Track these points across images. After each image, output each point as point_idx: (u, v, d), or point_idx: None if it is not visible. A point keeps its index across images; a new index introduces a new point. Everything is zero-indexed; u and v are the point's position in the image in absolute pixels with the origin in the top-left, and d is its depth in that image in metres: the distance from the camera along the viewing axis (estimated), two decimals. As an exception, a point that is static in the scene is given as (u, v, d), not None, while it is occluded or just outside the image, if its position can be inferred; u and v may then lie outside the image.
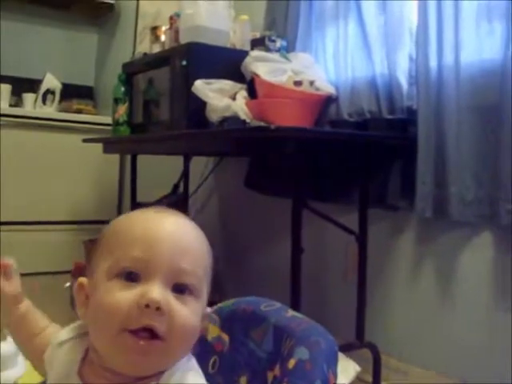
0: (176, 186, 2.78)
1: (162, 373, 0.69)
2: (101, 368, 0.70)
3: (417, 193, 1.82)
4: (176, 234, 0.71)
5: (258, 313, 0.87)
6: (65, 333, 0.78)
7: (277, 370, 0.77)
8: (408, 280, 1.98)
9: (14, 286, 0.84)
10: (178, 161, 2.85)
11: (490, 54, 1.74)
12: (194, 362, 0.74)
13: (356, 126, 2.04)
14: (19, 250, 2.73)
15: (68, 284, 2.63)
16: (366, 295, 1.95)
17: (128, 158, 2.92)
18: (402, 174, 1.94)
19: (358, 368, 1.67)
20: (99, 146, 2.68)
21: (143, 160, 2.77)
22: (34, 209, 3.19)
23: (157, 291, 0.65)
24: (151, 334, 0.65)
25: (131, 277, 0.67)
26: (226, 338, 0.89)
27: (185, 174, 2.83)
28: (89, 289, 0.72)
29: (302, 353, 0.73)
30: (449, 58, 1.80)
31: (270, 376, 0.78)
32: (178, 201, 2.69)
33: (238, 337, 0.87)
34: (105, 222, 0.78)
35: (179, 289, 0.68)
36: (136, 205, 2.65)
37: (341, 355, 0.84)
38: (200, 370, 0.74)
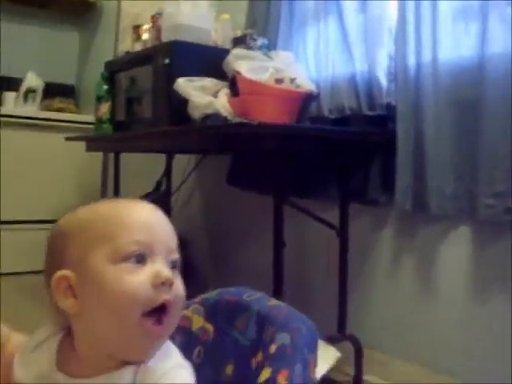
0: (159, 184, 2.80)
1: None
2: (90, 357, 0.71)
3: (396, 187, 1.86)
4: (162, 217, 0.77)
5: (241, 302, 0.89)
6: (35, 338, 0.78)
7: (259, 357, 0.79)
8: (389, 273, 2.02)
9: None
10: (161, 158, 2.86)
11: (467, 52, 1.78)
12: (168, 342, 0.77)
13: (336, 123, 2.08)
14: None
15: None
16: (348, 289, 1.98)
17: (110, 156, 2.93)
18: (381, 169, 1.97)
19: (338, 354, 1.70)
20: (81, 145, 2.68)
21: (126, 158, 2.78)
22: (15, 208, 3.18)
23: (166, 269, 0.72)
24: (164, 312, 0.71)
25: (139, 259, 0.71)
26: (210, 328, 0.91)
27: (167, 172, 2.85)
28: (76, 279, 0.71)
29: (284, 338, 0.75)
30: (427, 56, 1.84)
31: (253, 363, 0.81)
32: (160, 198, 2.70)
33: (222, 326, 0.89)
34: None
35: (172, 265, 0.74)
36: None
37: (321, 342, 0.87)
38: (177, 349, 0.77)
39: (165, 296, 0.70)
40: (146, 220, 0.74)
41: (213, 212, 2.89)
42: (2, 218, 3.10)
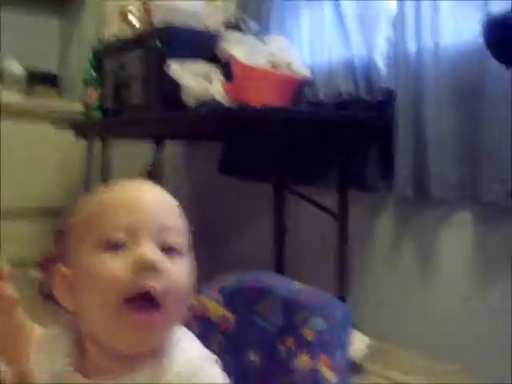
0: (149, 173, 2.74)
1: (161, 348, 0.66)
2: (99, 357, 0.67)
3: (396, 173, 1.84)
4: (155, 196, 0.70)
5: (263, 287, 0.85)
6: (46, 336, 0.73)
7: (290, 342, 0.75)
8: (388, 260, 2.00)
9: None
10: (150, 146, 2.80)
11: (468, 37, 1.76)
12: (185, 330, 0.71)
13: (333, 107, 2.04)
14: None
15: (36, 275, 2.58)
16: (347, 276, 1.96)
17: (96, 145, 2.86)
18: (380, 155, 1.95)
19: (367, 340, 1.68)
20: (65, 133, 2.61)
21: (113, 146, 2.72)
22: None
23: (151, 251, 0.64)
24: (150, 302, 0.63)
25: (120, 245, 0.64)
26: (230, 316, 0.87)
27: (157, 160, 2.78)
28: (73, 276, 0.67)
29: (319, 324, 0.72)
30: (427, 40, 1.82)
31: (281, 349, 0.77)
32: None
33: (243, 313, 0.85)
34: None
35: (166, 248, 0.66)
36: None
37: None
38: (196, 338, 0.71)
39: (148, 282, 0.62)
40: (131, 201, 0.67)
41: (204, 202, 2.84)
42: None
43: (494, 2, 1.67)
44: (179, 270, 0.66)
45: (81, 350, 0.69)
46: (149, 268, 0.63)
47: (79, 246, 0.67)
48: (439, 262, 1.86)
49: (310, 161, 2.13)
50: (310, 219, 2.18)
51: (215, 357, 0.68)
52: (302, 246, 2.23)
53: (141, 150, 2.82)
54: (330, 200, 1.96)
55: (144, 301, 0.63)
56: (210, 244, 2.71)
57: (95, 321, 0.66)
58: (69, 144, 2.84)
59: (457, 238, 1.81)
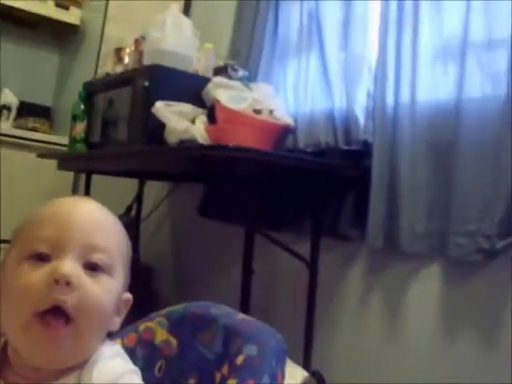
0: (129, 208, 2.76)
1: (85, 362, 0.66)
2: (19, 366, 0.66)
3: (368, 223, 1.86)
4: (87, 213, 0.70)
5: (208, 316, 0.86)
6: None
7: (225, 370, 0.76)
8: (357, 310, 2.00)
9: None
10: (133, 184, 2.83)
11: (445, 94, 1.81)
12: (118, 348, 0.72)
13: (312, 156, 2.08)
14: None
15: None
16: (315, 324, 1.95)
17: (81, 178, 2.89)
18: (354, 204, 1.98)
19: (305, 374, 1.66)
20: (53, 165, 2.63)
21: (97, 181, 2.74)
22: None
23: (67, 266, 0.63)
24: (63, 316, 0.63)
25: (41, 257, 0.65)
26: (174, 341, 0.88)
27: (138, 197, 2.81)
28: (1, 284, 0.67)
29: (251, 350, 0.72)
30: (405, 96, 1.87)
31: (217, 376, 0.78)
32: (130, 223, 2.66)
33: (186, 340, 0.86)
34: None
35: (91, 266, 0.66)
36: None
37: (288, 361, 0.84)
38: (127, 356, 0.72)
39: (58, 296, 0.62)
40: (60, 215, 0.68)
41: (182, 241, 2.85)
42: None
43: (472, 62, 1.74)
44: (99, 288, 0.66)
45: (5, 358, 0.69)
46: (62, 282, 0.62)
47: (9, 256, 0.68)
48: (408, 314, 1.86)
49: (284, 206, 2.15)
50: (282, 265, 2.19)
51: (137, 368, 0.68)
52: (273, 290, 2.23)
53: (124, 187, 2.85)
54: (303, 247, 1.97)
55: (55, 315, 0.62)
56: (186, 282, 2.71)
57: (10, 331, 0.66)
58: (56, 176, 2.85)
59: (426, 290, 1.82)
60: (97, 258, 0.67)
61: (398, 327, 1.88)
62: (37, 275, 0.63)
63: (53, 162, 2.64)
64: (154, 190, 2.85)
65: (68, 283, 0.63)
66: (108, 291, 0.67)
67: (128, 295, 0.74)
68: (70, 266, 0.64)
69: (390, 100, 1.91)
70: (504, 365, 1.58)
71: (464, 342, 1.71)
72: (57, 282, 0.62)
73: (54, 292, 0.62)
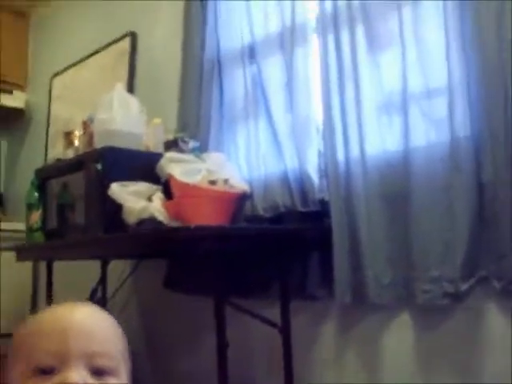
0: (94, 291, 2.71)
1: None
2: None
3: (335, 280, 1.87)
4: (88, 321, 0.72)
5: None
6: None
7: None
8: (333, 367, 1.99)
9: None
10: (96, 265, 2.79)
11: (392, 145, 1.87)
12: None
13: (271, 221, 2.10)
14: None
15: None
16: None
17: (42, 264, 2.84)
18: (319, 264, 2.00)
19: None
20: (11, 254, 2.58)
21: (59, 265, 2.70)
22: None
23: (75, 375, 0.65)
24: None
25: (50, 370, 0.66)
26: None
27: (102, 279, 2.77)
28: None
29: None
30: (355, 151, 1.92)
31: None
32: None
33: None
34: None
35: (97, 371, 0.68)
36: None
37: None
38: None
39: None
40: (58, 328, 0.69)
41: (151, 317, 2.81)
42: None
43: (415, 112, 1.80)
44: None
45: None
46: None
47: (12, 372, 0.68)
48: (383, 365, 1.87)
49: (250, 274, 2.15)
50: (254, 332, 2.18)
51: None
52: (246, 358, 2.21)
53: (87, 269, 2.81)
54: (273, 312, 1.97)
55: None
56: (157, 359, 2.66)
57: None
58: (15, 265, 2.79)
59: (398, 340, 1.84)
60: (101, 362, 0.69)
61: (376, 378, 1.88)
62: None
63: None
64: (118, 268, 2.81)
65: None
66: None
67: None
68: (78, 375, 0.66)
69: (340, 156, 1.96)
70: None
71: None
72: None
73: None
